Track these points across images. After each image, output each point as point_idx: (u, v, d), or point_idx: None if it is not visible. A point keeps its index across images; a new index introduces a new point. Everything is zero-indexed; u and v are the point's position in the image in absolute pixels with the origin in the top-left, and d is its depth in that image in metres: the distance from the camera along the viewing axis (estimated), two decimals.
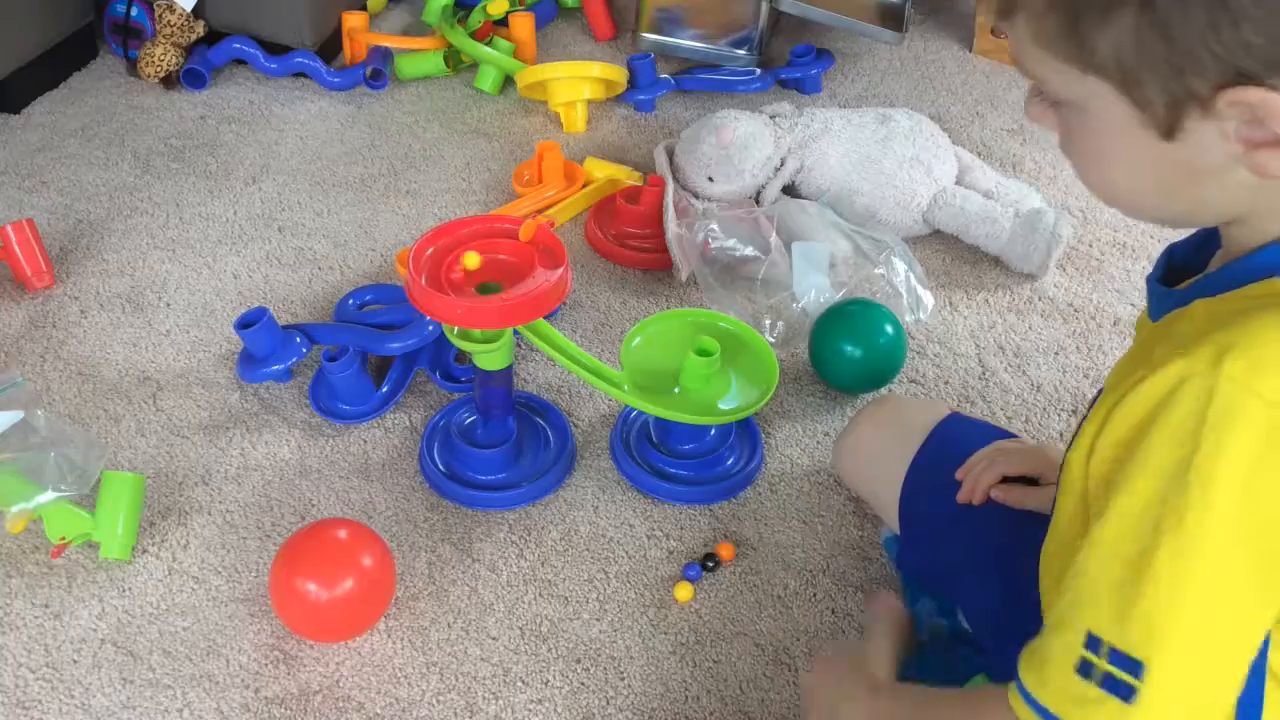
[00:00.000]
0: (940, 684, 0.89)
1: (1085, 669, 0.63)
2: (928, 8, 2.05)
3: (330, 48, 1.88)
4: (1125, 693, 0.62)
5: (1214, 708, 0.64)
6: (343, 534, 1.03)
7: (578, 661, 1.04)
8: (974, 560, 0.95)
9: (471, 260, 1.08)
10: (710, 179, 1.53)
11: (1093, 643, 0.63)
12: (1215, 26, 0.56)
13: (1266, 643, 0.64)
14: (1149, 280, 0.73)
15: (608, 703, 1.01)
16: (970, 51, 1.95)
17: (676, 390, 1.15)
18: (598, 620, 1.07)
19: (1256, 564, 0.61)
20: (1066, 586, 0.66)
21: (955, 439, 1.03)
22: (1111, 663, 0.62)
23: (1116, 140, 0.63)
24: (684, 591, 1.08)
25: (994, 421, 1.25)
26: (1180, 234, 0.74)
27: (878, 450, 1.07)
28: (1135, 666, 0.62)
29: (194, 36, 1.80)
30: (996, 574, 0.93)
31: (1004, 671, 0.71)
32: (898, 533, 1.06)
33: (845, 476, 1.17)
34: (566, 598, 1.09)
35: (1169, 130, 0.60)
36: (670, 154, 1.58)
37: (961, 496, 0.97)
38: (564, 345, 1.16)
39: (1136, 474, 0.62)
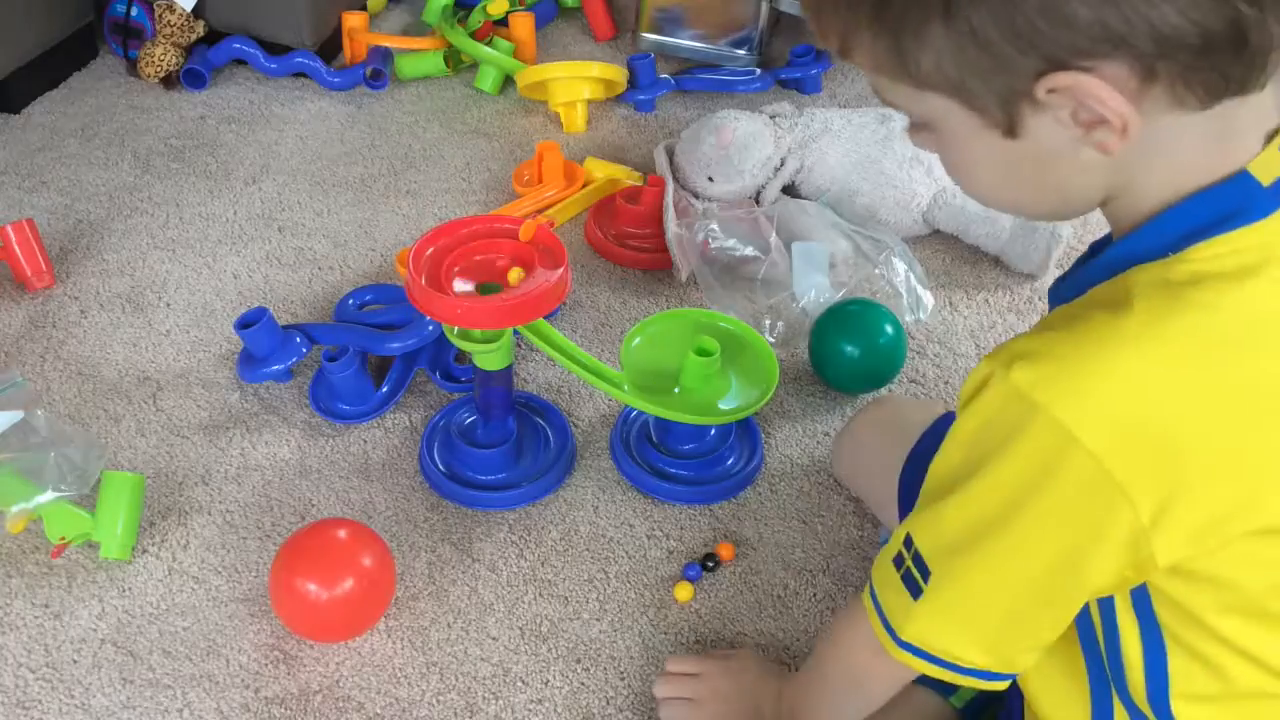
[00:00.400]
0: (937, 685, 0.90)
1: (898, 561, 0.72)
2: None
3: (330, 48, 1.88)
4: (914, 590, 0.70)
5: (986, 640, 0.69)
6: (343, 534, 1.03)
7: (578, 661, 1.04)
8: None
9: (515, 275, 1.08)
10: (710, 179, 1.53)
11: (908, 541, 0.71)
12: (1011, 22, 0.58)
13: (1144, 592, 0.68)
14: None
15: (608, 703, 1.01)
16: None
17: (676, 390, 1.15)
18: (598, 620, 1.07)
19: (1043, 551, 0.65)
20: None
21: None
22: (914, 562, 0.70)
23: (972, 147, 0.66)
24: (684, 591, 1.08)
25: None
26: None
27: (875, 451, 1.07)
28: (925, 572, 0.69)
29: (194, 36, 1.80)
30: None
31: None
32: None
33: (844, 477, 1.17)
34: (566, 598, 1.09)
35: (1009, 128, 0.63)
36: (670, 154, 1.58)
37: None
38: (564, 345, 1.16)
39: (951, 445, 0.69)
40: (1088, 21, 0.57)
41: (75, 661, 1.03)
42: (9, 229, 1.38)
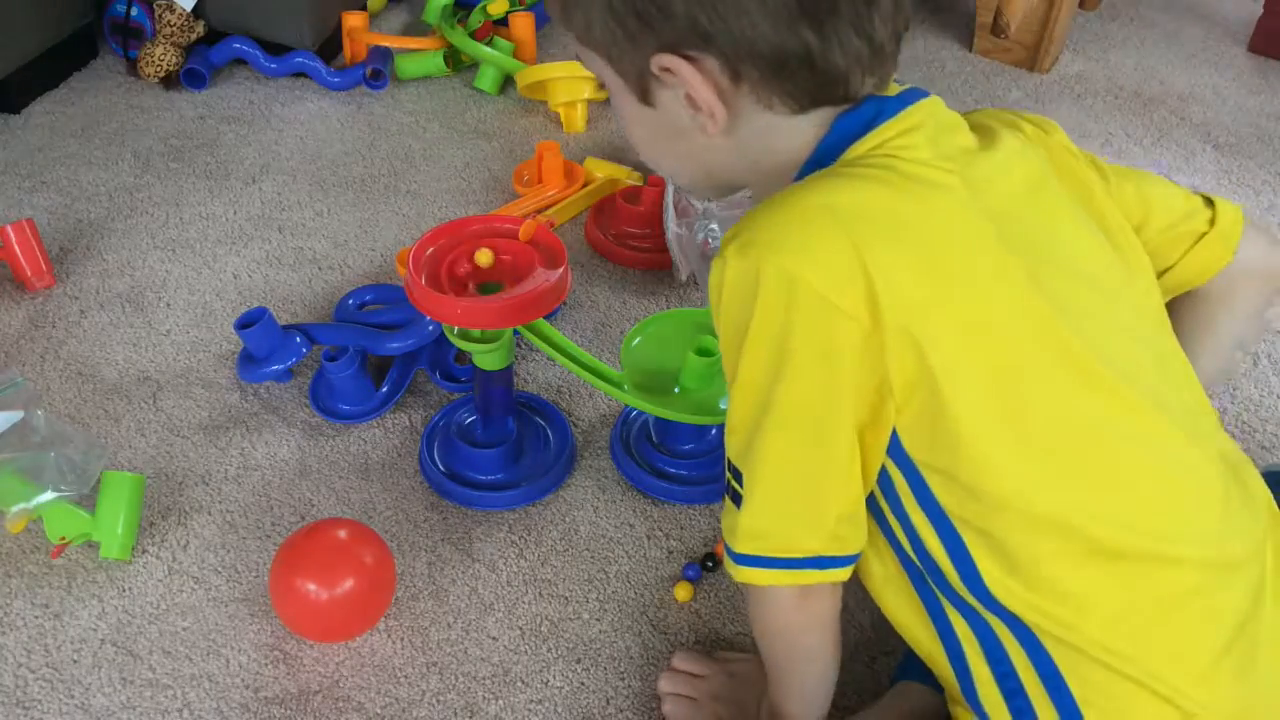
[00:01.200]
0: (933, 686, 0.89)
1: (728, 487, 0.76)
2: (928, 8, 2.05)
3: (330, 48, 1.88)
4: (737, 500, 0.75)
5: (803, 516, 0.74)
6: (343, 534, 1.03)
7: (578, 661, 1.04)
8: None
9: (484, 257, 1.08)
10: None
11: (730, 465, 0.75)
12: (635, 3, 0.68)
13: (912, 473, 0.72)
14: None
15: (607, 703, 1.01)
16: (970, 51, 1.95)
17: (676, 390, 1.15)
18: (598, 620, 1.07)
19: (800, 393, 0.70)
20: None
21: None
22: (731, 474, 0.75)
23: (625, 109, 0.76)
24: (684, 591, 1.08)
25: None
26: None
27: None
28: (739, 476, 0.74)
29: (194, 36, 1.80)
30: None
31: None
32: None
33: None
34: (566, 598, 1.09)
35: (643, 96, 0.73)
36: None
37: None
38: (564, 345, 1.16)
39: (721, 347, 0.74)
40: (683, 16, 0.67)
41: (75, 661, 1.03)
42: (9, 229, 1.38)
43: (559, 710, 1.00)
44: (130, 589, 1.08)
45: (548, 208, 1.55)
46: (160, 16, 1.77)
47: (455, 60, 1.85)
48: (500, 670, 1.03)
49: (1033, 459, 0.69)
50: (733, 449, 0.75)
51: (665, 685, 0.99)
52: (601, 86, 0.79)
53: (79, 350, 1.34)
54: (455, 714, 1.00)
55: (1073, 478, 0.70)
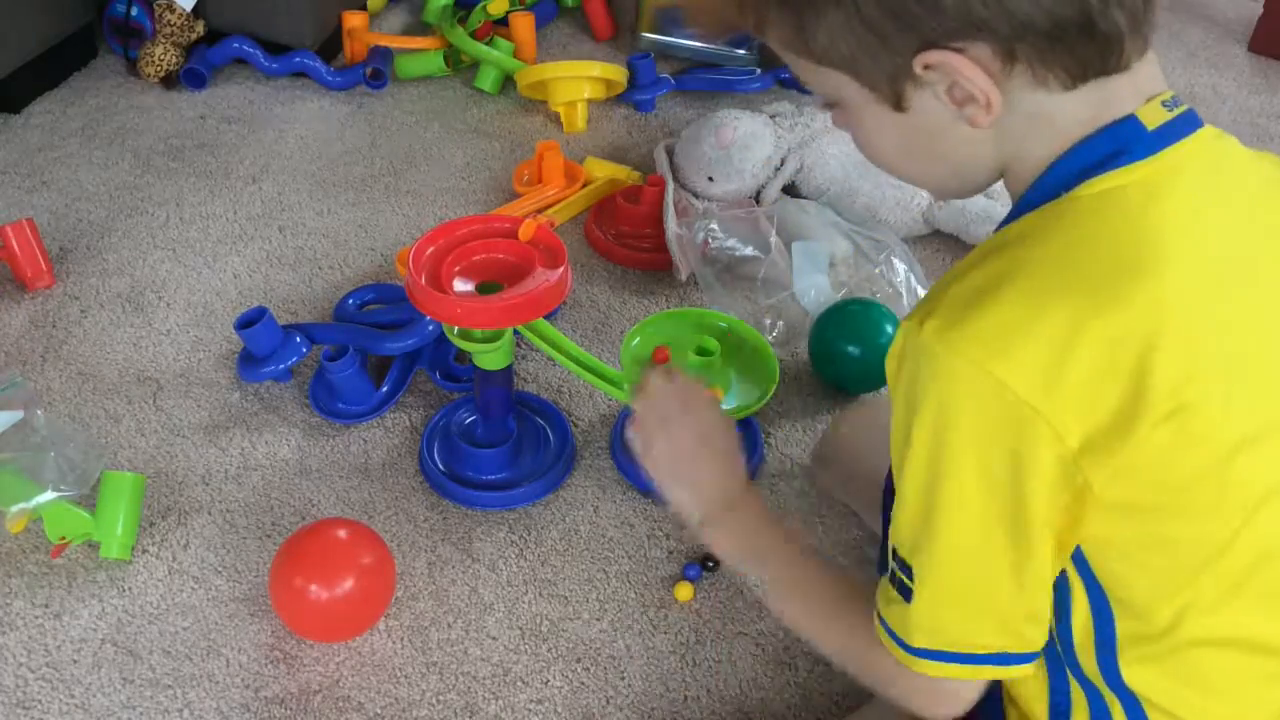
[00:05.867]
0: None
1: (890, 574, 0.73)
2: None
3: (330, 47, 1.88)
4: (906, 593, 0.71)
5: (985, 614, 0.70)
6: (343, 534, 1.03)
7: (578, 661, 1.04)
8: None
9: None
10: (710, 179, 1.53)
11: (893, 551, 0.72)
12: (890, 5, 0.64)
13: (1085, 570, 0.69)
14: None
15: (608, 703, 1.01)
16: None
17: None
18: (598, 620, 1.07)
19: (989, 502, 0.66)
20: None
21: None
22: (898, 566, 0.71)
23: (870, 121, 0.72)
24: (684, 591, 1.08)
25: None
26: None
27: (858, 454, 1.07)
28: (909, 571, 0.70)
29: (194, 36, 1.80)
30: None
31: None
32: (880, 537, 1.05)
33: (827, 482, 1.16)
34: (566, 598, 1.09)
35: (897, 103, 0.69)
36: (670, 154, 1.58)
37: None
38: (564, 345, 1.16)
39: (892, 424, 0.70)
40: (954, 7, 0.63)
41: (75, 661, 1.03)
42: (9, 229, 1.38)
43: (559, 710, 1.00)
44: (130, 589, 1.08)
45: (548, 208, 1.55)
46: (160, 16, 1.77)
47: (455, 60, 1.85)
48: (500, 670, 1.03)
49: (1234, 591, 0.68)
50: (898, 532, 0.71)
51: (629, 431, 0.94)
52: (826, 107, 0.74)
53: (79, 350, 1.34)
54: (455, 714, 1.00)
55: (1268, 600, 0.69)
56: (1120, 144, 0.67)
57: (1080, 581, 0.70)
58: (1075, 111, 0.68)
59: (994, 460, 0.65)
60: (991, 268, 0.66)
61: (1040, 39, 0.64)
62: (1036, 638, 0.71)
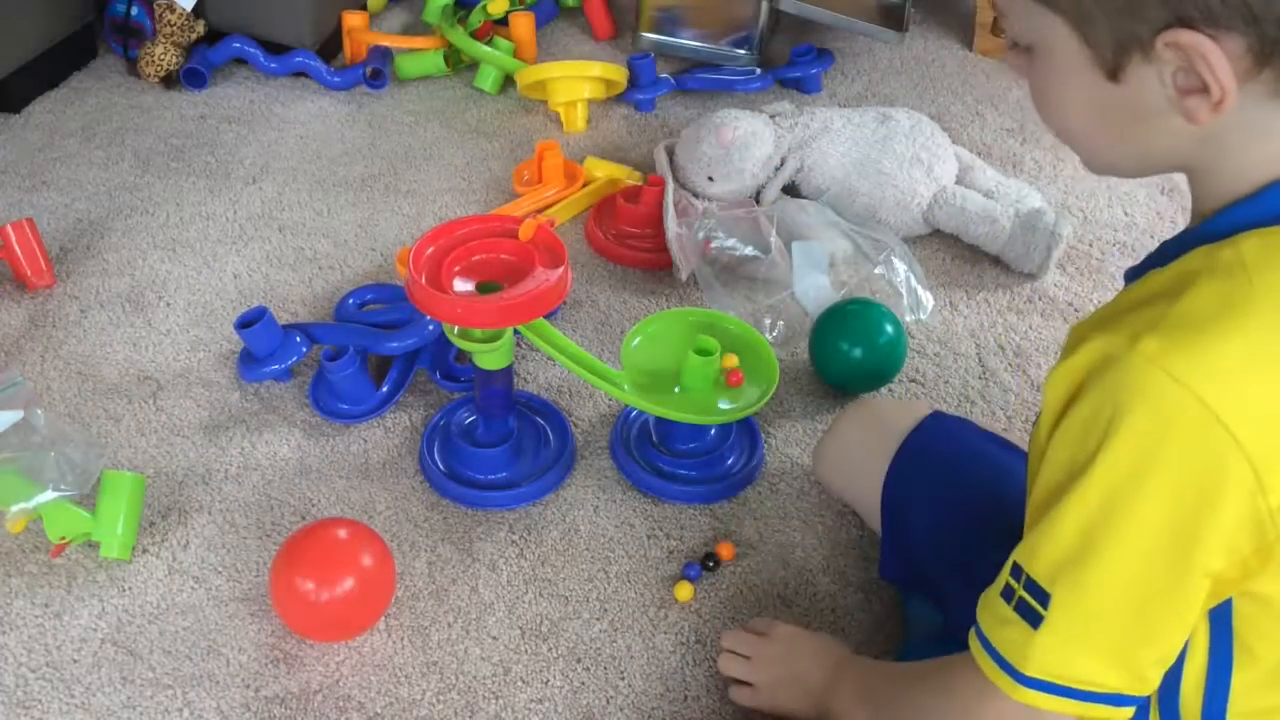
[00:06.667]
0: None
1: (1008, 593, 0.69)
2: (928, 7, 2.05)
3: (330, 47, 1.88)
4: (1033, 619, 0.67)
5: (1118, 653, 0.67)
6: (343, 534, 1.03)
7: (578, 661, 1.04)
8: (953, 568, 0.94)
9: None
10: (710, 179, 1.53)
11: (1016, 571, 0.69)
12: None
13: (1228, 609, 0.67)
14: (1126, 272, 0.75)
15: (608, 702, 1.01)
16: (970, 51, 1.95)
17: (676, 390, 1.15)
18: (598, 620, 1.07)
19: (1163, 534, 0.64)
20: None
21: (935, 439, 1.02)
22: (1027, 590, 0.68)
23: (1070, 79, 0.67)
24: (684, 591, 1.08)
25: (994, 421, 1.25)
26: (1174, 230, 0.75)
27: (859, 454, 1.06)
28: (1044, 597, 0.67)
29: (194, 36, 1.80)
30: (978, 582, 0.93)
31: None
32: (880, 536, 1.05)
33: (828, 482, 1.15)
34: (566, 597, 1.09)
35: (1113, 71, 0.64)
36: (670, 154, 1.58)
37: None
38: (564, 345, 1.16)
39: (1058, 446, 0.66)
40: None
41: (75, 661, 1.03)
42: (9, 229, 1.38)
43: (559, 710, 1.00)
44: (130, 589, 1.08)
45: (548, 207, 1.55)
46: (160, 16, 1.77)
47: (455, 60, 1.85)
48: (500, 670, 1.03)
49: None
50: (1040, 556, 0.67)
51: (727, 641, 1.00)
52: (1016, 48, 0.69)
53: (79, 350, 1.34)
54: (455, 714, 1.00)
55: None
56: None
57: (1205, 627, 0.68)
58: None
59: (1187, 501, 0.62)
60: (1215, 289, 0.62)
61: None
62: (1156, 680, 0.68)
